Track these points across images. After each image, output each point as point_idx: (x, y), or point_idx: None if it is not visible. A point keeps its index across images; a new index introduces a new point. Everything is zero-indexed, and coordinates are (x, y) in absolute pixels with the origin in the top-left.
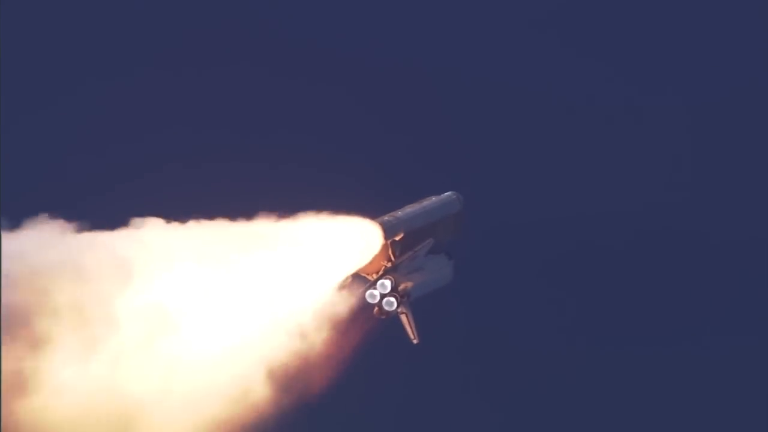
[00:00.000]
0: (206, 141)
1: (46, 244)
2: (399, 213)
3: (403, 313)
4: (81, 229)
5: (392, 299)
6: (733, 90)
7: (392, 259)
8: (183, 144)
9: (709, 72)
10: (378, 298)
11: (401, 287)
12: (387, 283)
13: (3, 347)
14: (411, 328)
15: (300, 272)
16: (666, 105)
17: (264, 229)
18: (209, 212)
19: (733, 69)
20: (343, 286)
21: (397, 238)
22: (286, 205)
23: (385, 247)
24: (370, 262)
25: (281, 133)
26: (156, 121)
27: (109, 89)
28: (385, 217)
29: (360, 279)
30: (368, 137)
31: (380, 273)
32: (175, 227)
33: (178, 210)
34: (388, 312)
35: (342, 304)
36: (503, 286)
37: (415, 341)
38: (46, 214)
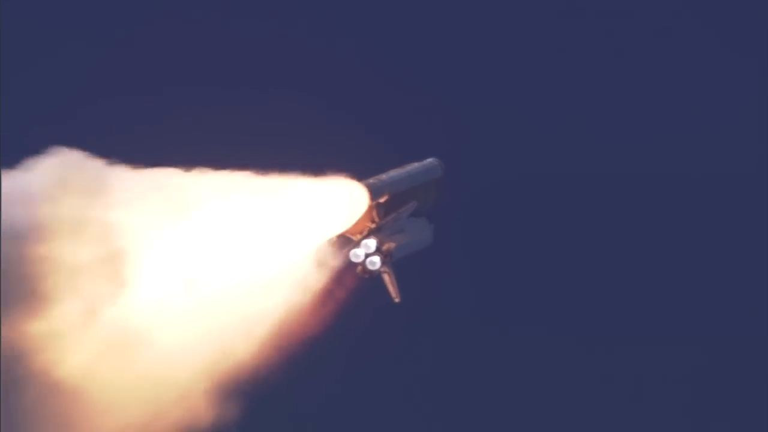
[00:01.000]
0: (204, 95)
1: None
2: (383, 176)
3: (385, 272)
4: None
5: (376, 259)
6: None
7: (376, 220)
8: (182, 97)
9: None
10: (362, 258)
11: (384, 247)
12: (371, 243)
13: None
14: (393, 287)
15: (287, 229)
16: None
17: (253, 184)
18: (201, 162)
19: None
20: (330, 245)
21: (381, 200)
22: (275, 162)
23: (369, 209)
24: (355, 223)
25: (277, 92)
26: (158, 75)
27: (118, 41)
28: (371, 180)
29: (344, 239)
30: (357, 103)
31: (364, 233)
32: (157, 174)
33: (167, 159)
34: (371, 271)
35: (327, 262)
36: (480, 249)
37: (396, 300)
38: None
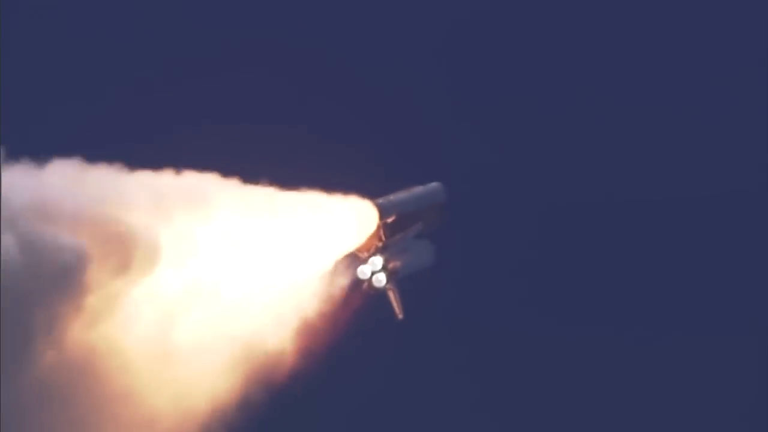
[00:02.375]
0: (217, 109)
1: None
2: (392, 197)
3: (390, 289)
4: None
5: (382, 276)
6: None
7: (383, 239)
8: (194, 109)
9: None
10: (369, 275)
11: (390, 266)
12: (378, 261)
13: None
14: (397, 304)
15: (302, 244)
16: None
17: (269, 200)
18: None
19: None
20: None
21: (389, 220)
22: (292, 180)
23: (377, 228)
24: (363, 241)
25: (293, 111)
26: (168, 87)
27: (152, 67)
28: (380, 200)
29: (352, 256)
30: (366, 133)
31: (371, 251)
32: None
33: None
34: (377, 288)
35: (337, 278)
36: (479, 269)
37: (400, 317)
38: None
